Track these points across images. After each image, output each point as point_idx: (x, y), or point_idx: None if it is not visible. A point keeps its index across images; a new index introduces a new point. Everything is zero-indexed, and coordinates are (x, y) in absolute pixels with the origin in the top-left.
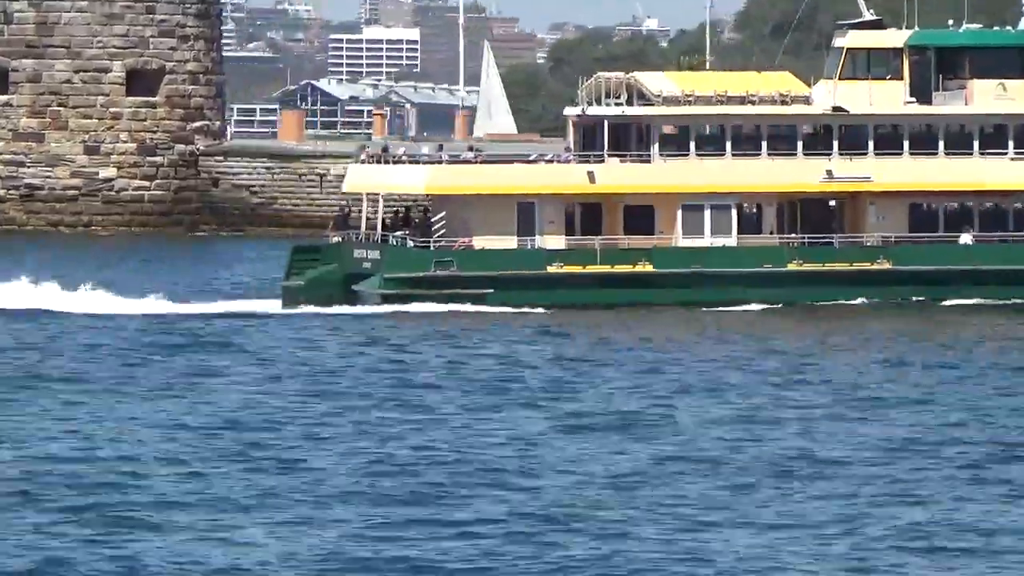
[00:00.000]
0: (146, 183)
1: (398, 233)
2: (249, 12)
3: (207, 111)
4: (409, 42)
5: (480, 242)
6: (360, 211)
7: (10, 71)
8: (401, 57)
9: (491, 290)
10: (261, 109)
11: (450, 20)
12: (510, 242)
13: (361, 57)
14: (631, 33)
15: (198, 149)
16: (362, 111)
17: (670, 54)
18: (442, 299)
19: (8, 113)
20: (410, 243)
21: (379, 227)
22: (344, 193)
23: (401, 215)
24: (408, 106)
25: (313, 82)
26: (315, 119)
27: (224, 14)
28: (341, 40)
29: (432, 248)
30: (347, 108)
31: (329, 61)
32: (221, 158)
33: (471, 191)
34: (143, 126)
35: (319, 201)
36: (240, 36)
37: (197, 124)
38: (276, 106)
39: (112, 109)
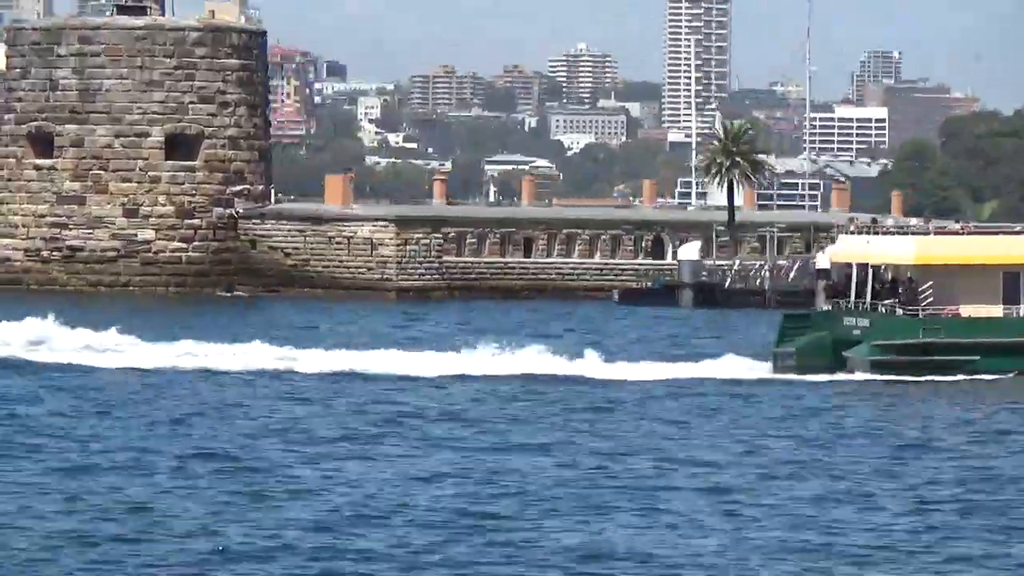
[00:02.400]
0: (184, 245)
1: (887, 302)
2: (739, 91)
3: (248, 175)
4: (878, 121)
5: (966, 310)
6: (849, 279)
7: (55, 136)
8: (869, 134)
9: (978, 357)
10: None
11: (917, 100)
12: (996, 310)
13: (832, 134)
14: None
15: (236, 212)
16: (796, 183)
17: None
18: (930, 366)
19: (52, 177)
20: (899, 311)
21: (868, 295)
22: (834, 262)
23: (887, 284)
24: (844, 179)
25: None
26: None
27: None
28: (815, 118)
29: (920, 316)
30: (782, 181)
31: (804, 137)
32: (258, 221)
33: (959, 261)
34: (181, 189)
35: (347, 263)
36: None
37: (237, 188)
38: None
39: (151, 173)
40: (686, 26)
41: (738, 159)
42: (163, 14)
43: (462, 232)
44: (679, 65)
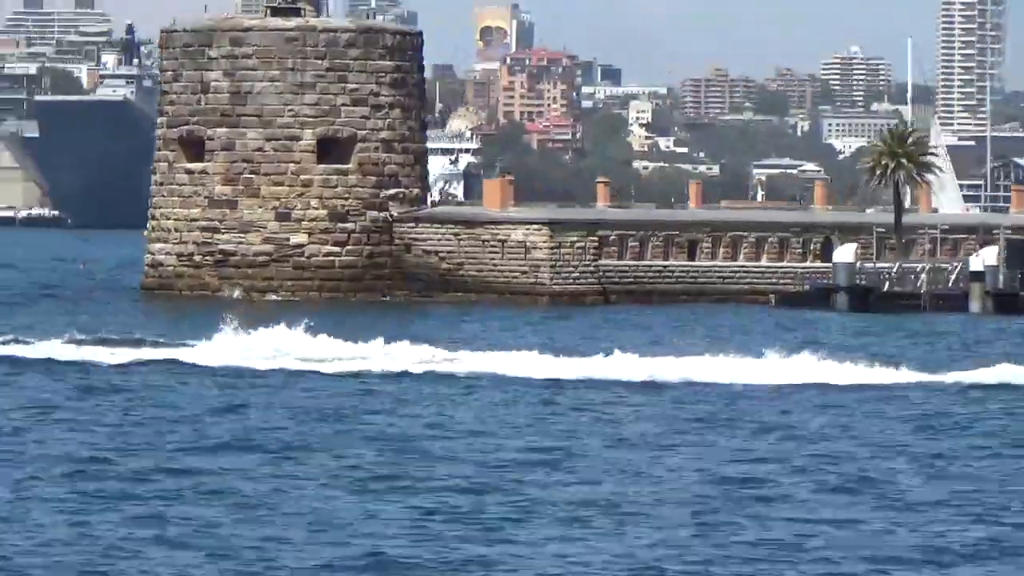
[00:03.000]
0: (337, 249)
1: None
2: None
3: (403, 178)
4: None
5: None
6: None
7: (206, 139)
8: None
9: None
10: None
11: None
12: None
13: None
14: None
15: (391, 216)
16: None
17: None
18: None
19: (204, 180)
20: None
21: None
22: None
23: None
24: None
25: (1017, 159)
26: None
27: None
28: None
29: None
30: None
31: None
32: (413, 224)
33: None
34: (334, 193)
35: (500, 266)
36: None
37: (391, 191)
38: (980, 182)
39: (303, 176)
40: (959, 28)
41: (903, 160)
42: (319, 15)
43: (623, 235)
44: (952, 68)
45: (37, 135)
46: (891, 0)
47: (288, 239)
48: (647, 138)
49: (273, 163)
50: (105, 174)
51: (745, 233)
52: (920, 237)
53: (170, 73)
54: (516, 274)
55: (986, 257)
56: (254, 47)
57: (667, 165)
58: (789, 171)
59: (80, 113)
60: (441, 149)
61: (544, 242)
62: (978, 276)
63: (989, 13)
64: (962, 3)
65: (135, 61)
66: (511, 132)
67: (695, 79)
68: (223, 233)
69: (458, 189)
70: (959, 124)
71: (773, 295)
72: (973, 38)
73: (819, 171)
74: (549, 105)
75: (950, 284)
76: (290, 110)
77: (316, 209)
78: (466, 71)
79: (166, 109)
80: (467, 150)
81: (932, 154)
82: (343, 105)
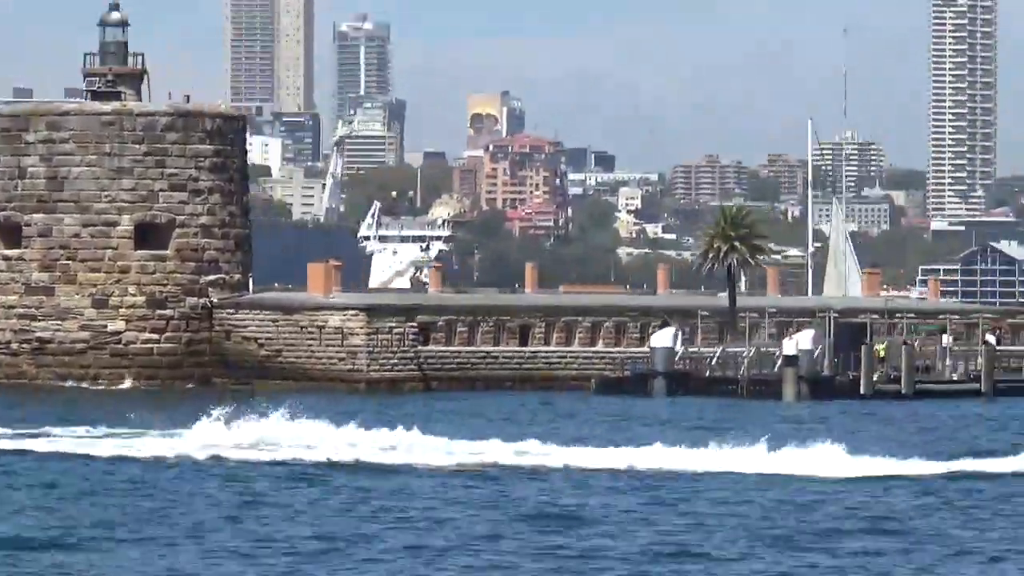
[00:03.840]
0: (155, 336)
1: None
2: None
3: (223, 264)
4: None
5: None
6: None
7: (23, 225)
8: None
9: None
10: (944, 270)
11: None
12: None
13: None
14: None
15: (211, 302)
16: None
17: None
18: None
19: (21, 267)
20: None
21: None
22: None
23: None
24: None
25: (993, 244)
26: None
27: None
28: None
29: None
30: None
31: None
32: (233, 310)
33: None
34: (152, 279)
35: (318, 353)
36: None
37: (211, 277)
38: (957, 267)
39: (120, 262)
40: (950, 113)
41: (735, 243)
42: (140, 99)
43: (450, 320)
44: (943, 152)
45: None
46: (884, 84)
47: (106, 326)
48: (635, 224)
49: (90, 249)
50: None
51: (580, 318)
52: (756, 320)
53: None
54: (334, 360)
55: (800, 341)
56: (71, 131)
57: (650, 251)
58: (773, 256)
59: None
60: (413, 236)
61: (361, 327)
62: (791, 360)
63: (979, 98)
64: (953, 88)
65: None
66: (491, 219)
67: (686, 165)
68: (40, 320)
69: (429, 276)
70: (950, 209)
71: (593, 380)
72: (964, 123)
73: (802, 256)
74: (532, 192)
75: (775, 368)
76: (107, 195)
77: (134, 296)
78: (455, 158)
79: None
80: (439, 237)
81: (762, 237)
82: (161, 190)
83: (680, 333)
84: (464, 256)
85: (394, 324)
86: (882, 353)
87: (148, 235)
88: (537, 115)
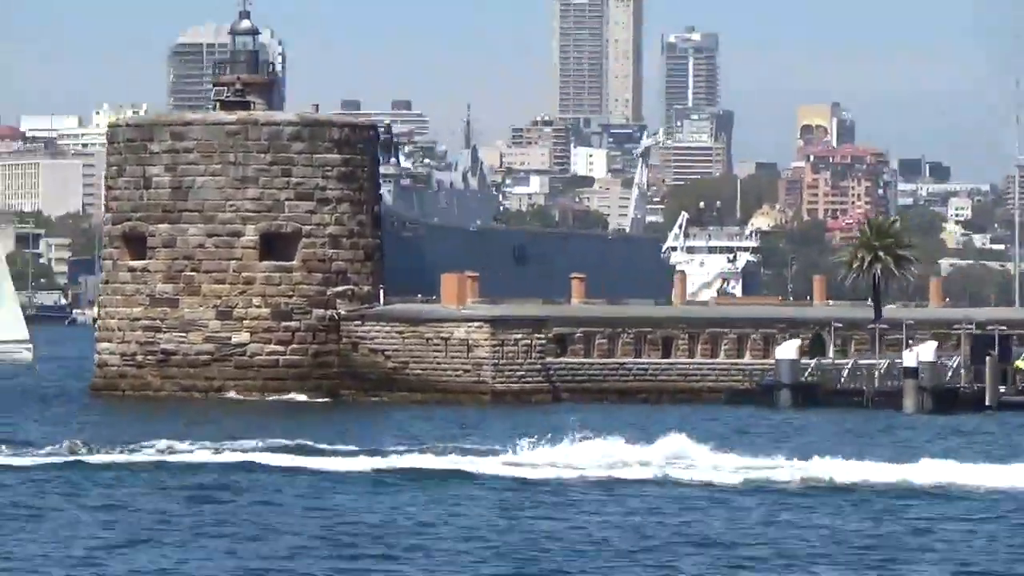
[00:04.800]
0: (280, 348)
1: None
2: None
3: (351, 275)
4: None
5: None
6: None
7: (148, 236)
8: None
9: None
10: None
11: None
12: None
13: None
14: None
15: (338, 314)
16: None
17: None
18: None
19: (146, 279)
20: None
21: None
22: None
23: None
24: None
25: None
26: None
27: None
28: None
29: None
30: None
31: None
32: (360, 322)
33: None
34: (277, 290)
35: (443, 365)
36: None
37: (339, 288)
38: None
39: (245, 273)
40: None
41: (880, 253)
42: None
43: (588, 332)
44: None
45: None
46: None
47: (230, 338)
48: (963, 235)
49: (215, 260)
50: None
51: (726, 330)
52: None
53: (114, 168)
54: (459, 372)
55: (921, 353)
56: (195, 141)
57: (974, 262)
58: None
59: None
60: (720, 247)
61: (486, 339)
62: (911, 372)
63: None
64: None
65: (392, 160)
66: (811, 229)
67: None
68: (164, 332)
69: (736, 287)
70: None
71: (724, 393)
72: None
73: None
74: (853, 202)
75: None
76: (232, 205)
77: (259, 307)
78: (784, 168)
79: (111, 205)
80: (746, 248)
81: (909, 247)
82: (287, 200)
83: (803, 345)
84: (779, 267)
85: (520, 336)
86: (1022, 365)
87: (274, 245)
88: (868, 126)
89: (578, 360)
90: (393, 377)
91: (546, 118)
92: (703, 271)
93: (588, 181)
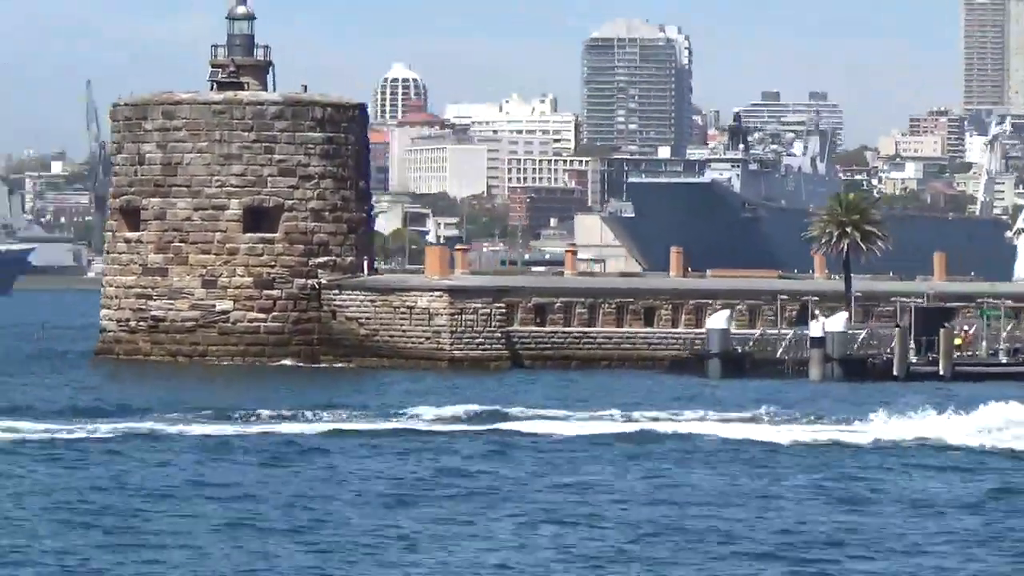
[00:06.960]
0: (262, 315)
1: None
2: None
3: (334, 247)
4: None
5: None
6: None
7: (141, 209)
8: None
9: None
10: None
11: None
12: None
13: None
14: None
15: (319, 284)
16: None
17: None
18: None
19: (139, 249)
20: None
21: None
22: None
23: None
24: None
25: None
26: None
27: None
28: None
29: None
30: None
31: None
32: (337, 291)
33: None
34: (260, 261)
35: (408, 332)
36: None
37: (321, 260)
38: None
39: (229, 245)
40: None
41: (847, 229)
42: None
43: (569, 303)
44: None
45: (632, 215)
46: None
47: (214, 305)
48: None
49: (201, 232)
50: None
51: (710, 301)
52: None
53: (115, 145)
54: (421, 340)
55: (828, 323)
56: (184, 119)
57: None
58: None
59: (668, 194)
60: None
61: (444, 308)
62: (817, 342)
63: None
64: None
65: (740, 146)
66: None
67: None
68: (155, 299)
69: None
70: None
71: (665, 361)
72: None
73: None
74: None
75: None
76: (217, 180)
77: (242, 276)
78: None
79: (112, 180)
80: None
81: (875, 223)
82: (270, 176)
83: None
84: None
85: (479, 305)
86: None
87: (258, 219)
88: None
89: (538, 329)
90: (365, 344)
91: (942, 108)
92: None
93: (965, 167)
